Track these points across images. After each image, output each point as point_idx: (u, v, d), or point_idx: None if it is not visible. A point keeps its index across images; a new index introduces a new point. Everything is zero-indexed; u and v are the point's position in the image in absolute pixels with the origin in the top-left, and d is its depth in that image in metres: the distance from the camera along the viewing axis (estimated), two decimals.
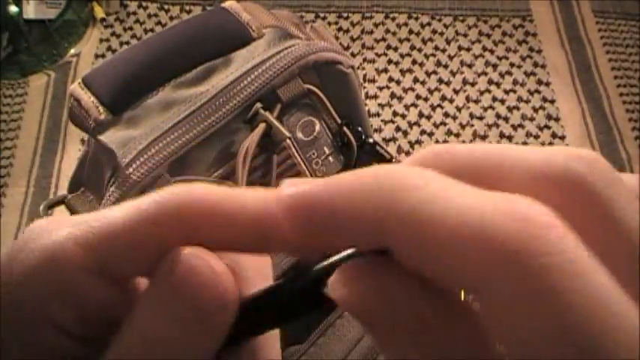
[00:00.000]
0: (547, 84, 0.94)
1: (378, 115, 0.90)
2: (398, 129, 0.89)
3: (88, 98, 0.44)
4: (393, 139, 0.88)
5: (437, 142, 0.88)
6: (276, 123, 0.46)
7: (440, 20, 1.01)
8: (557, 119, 0.90)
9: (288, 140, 0.48)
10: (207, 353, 0.14)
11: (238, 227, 0.14)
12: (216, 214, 0.14)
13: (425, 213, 0.12)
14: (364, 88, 0.93)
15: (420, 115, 0.90)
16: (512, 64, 0.96)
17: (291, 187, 0.13)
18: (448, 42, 0.98)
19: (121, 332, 0.14)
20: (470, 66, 0.96)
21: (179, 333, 0.14)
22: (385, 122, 0.90)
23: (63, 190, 0.78)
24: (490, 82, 0.94)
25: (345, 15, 1.01)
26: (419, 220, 0.12)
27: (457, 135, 0.88)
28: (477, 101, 0.92)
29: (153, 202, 0.14)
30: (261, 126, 0.45)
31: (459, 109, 0.91)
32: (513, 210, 0.11)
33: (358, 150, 0.54)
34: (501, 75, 0.95)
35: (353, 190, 0.13)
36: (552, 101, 0.92)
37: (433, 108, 0.91)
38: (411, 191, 0.12)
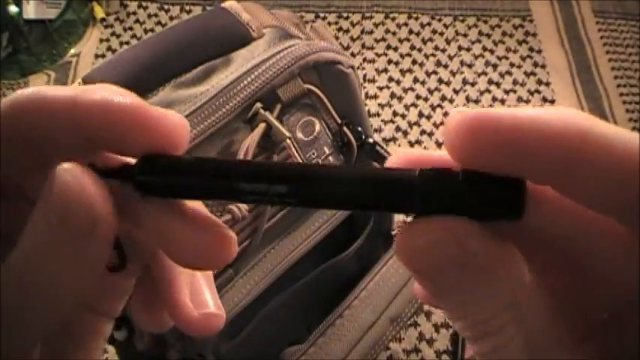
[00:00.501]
0: (547, 84, 0.94)
1: (378, 115, 0.90)
2: (398, 129, 0.89)
3: None
4: (393, 139, 0.88)
5: (437, 142, 0.88)
6: (276, 123, 0.46)
7: (440, 20, 1.01)
8: None
9: (288, 140, 0.48)
10: (90, 268, 0.16)
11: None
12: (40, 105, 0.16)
13: (616, 146, 0.14)
14: (364, 88, 0.93)
15: (420, 115, 0.90)
16: (512, 64, 0.96)
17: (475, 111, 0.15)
18: (448, 42, 0.98)
19: (18, 242, 0.15)
20: (470, 66, 0.96)
21: (58, 247, 0.15)
22: (385, 122, 0.90)
23: None
24: (490, 82, 0.94)
25: (345, 15, 1.01)
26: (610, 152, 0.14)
27: None
28: (477, 101, 0.92)
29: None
30: (261, 126, 0.45)
31: None
32: None
33: (358, 150, 0.54)
34: (501, 75, 0.94)
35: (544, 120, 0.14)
36: (552, 101, 0.92)
37: (433, 108, 0.91)
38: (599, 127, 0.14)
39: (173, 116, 0.17)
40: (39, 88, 0.17)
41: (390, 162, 0.17)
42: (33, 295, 0.15)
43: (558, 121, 0.14)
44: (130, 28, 1.01)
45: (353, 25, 1.00)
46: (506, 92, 0.93)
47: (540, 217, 0.16)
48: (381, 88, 0.93)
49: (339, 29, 1.00)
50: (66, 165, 0.15)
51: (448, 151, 0.15)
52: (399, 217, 0.81)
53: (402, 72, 0.95)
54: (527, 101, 0.92)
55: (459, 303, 0.16)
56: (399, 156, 0.17)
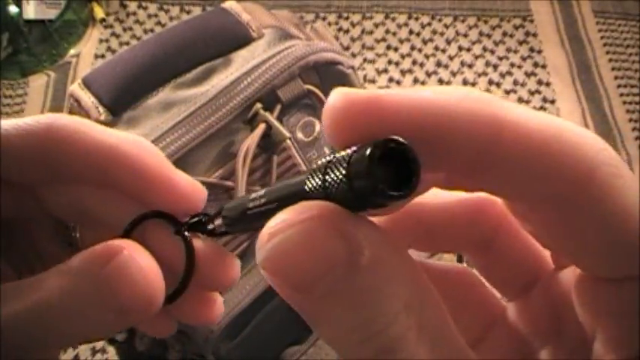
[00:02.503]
0: (547, 84, 0.94)
1: None
2: None
3: (87, 99, 0.44)
4: None
5: None
6: (276, 123, 0.46)
7: (440, 20, 1.01)
8: None
9: (288, 141, 0.48)
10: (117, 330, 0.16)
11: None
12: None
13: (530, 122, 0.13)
14: (364, 88, 0.93)
15: None
16: (512, 65, 0.96)
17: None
18: (448, 42, 0.98)
19: (36, 284, 0.16)
20: (470, 66, 0.95)
21: (96, 316, 0.15)
22: None
23: None
24: (490, 82, 0.94)
25: (345, 15, 1.01)
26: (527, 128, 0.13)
27: None
28: None
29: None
30: (261, 126, 0.45)
31: None
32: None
33: None
34: (502, 75, 0.94)
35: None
36: (552, 101, 0.92)
37: None
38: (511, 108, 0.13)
39: (194, 186, 0.20)
40: (83, 125, 0.18)
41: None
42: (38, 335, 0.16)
43: (464, 108, 0.12)
44: (130, 29, 1.01)
45: (353, 25, 1.00)
46: (507, 92, 0.92)
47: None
48: (381, 89, 0.93)
49: (339, 29, 1.00)
50: (132, 252, 0.16)
51: (327, 132, 0.13)
52: None
53: (403, 72, 0.95)
54: (528, 101, 0.92)
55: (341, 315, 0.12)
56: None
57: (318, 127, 0.51)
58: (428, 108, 0.13)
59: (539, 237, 0.15)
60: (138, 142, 0.18)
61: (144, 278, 0.16)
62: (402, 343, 0.12)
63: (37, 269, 0.18)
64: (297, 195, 0.14)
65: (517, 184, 0.13)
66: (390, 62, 0.96)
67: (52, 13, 0.93)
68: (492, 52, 0.97)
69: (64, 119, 0.18)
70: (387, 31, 0.99)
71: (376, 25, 1.00)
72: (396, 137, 0.12)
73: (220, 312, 0.20)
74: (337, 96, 0.13)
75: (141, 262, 0.16)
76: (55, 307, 0.15)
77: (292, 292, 0.12)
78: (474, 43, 0.98)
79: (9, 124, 0.18)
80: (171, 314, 0.20)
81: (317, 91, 0.49)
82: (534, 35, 0.99)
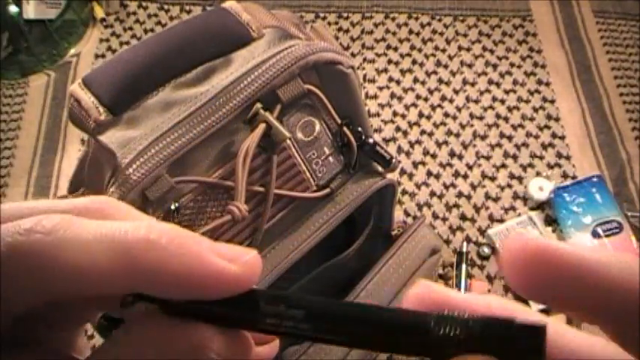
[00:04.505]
0: (547, 84, 0.94)
1: (378, 115, 0.90)
2: (398, 129, 0.89)
3: (88, 98, 0.44)
4: (393, 139, 0.88)
5: (437, 142, 0.88)
6: (276, 123, 0.46)
7: (440, 20, 1.01)
8: (557, 119, 0.90)
9: (288, 140, 0.48)
10: None
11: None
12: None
13: None
14: (364, 88, 0.93)
15: (420, 115, 0.90)
16: (512, 64, 0.96)
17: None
18: (448, 42, 0.98)
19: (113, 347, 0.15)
20: (470, 66, 0.96)
21: None
22: (385, 122, 0.90)
23: (63, 191, 0.78)
24: (490, 82, 0.94)
25: (345, 15, 1.01)
26: None
27: (457, 135, 0.88)
28: (476, 101, 0.92)
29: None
30: (261, 126, 0.45)
31: (459, 109, 0.91)
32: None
33: (358, 150, 0.54)
34: (501, 75, 0.94)
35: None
36: (552, 101, 0.92)
37: (433, 108, 0.91)
38: None
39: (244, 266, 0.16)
40: (69, 223, 0.15)
41: (409, 300, 0.17)
42: None
43: (621, 267, 0.14)
44: (130, 28, 1.01)
45: (353, 25, 1.00)
46: (506, 92, 0.93)
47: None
48: (381, 88, 0.93)
49: (339, 29, 1.00)
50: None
51: (507, 276, 0.15)
52: (399, 218, 0.81)
53: (402, 72, 0.95)
54: (527, 101, 0.92)
55: None
56: (418, 293, 0.17)
57: (317, 127, 0.51)
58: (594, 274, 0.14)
59: None
60: (148, 239, 0.15)
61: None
62: None
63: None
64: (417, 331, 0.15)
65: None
66: (389, 62, 0.96)
67: (52, 13, 0.93)
68: (492, 51, 0.97)
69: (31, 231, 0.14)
70: (387, 31, 0.99)
71: (376, 25, 1.00)
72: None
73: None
74: (516, 244, 0.15)
75: (222, 346, 0.16)
76: None
77: None
78: (473, 42, 0.98)
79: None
80: None
81: (317, 90, 0.49)
82: (534, 35, 0.99)
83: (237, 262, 0.15)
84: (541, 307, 0.70)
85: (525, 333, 0.15)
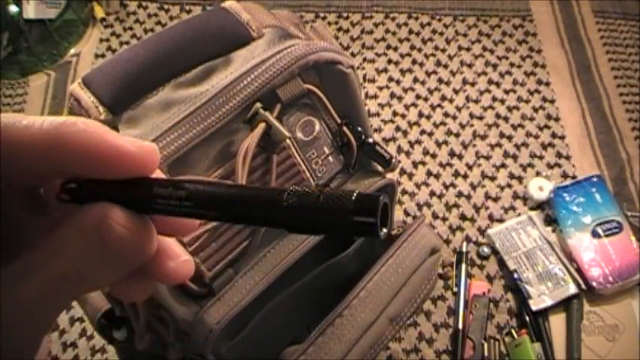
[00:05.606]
0: (547, 84, 0.94)
1: (378, 115, 0.90)
2: (398, 129, 0.89)
3: (87, 98, 0.44)
4: (393, 139, 0.88)
5: (437, 141, 0.88)
6: (276, 123, 0.46)
7: (440, 20, 1.01)
8: (557, 119, 0.90)
9: (287, 140, 0.48)
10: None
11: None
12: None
13: None
14: (364, 88, 0.93)
15: (420, 115, 0.90)
16: (512, 64, 0.96)
17: None
18: (448, 42, 0.98)
19: (39, 251, 0.18)
20: (470, 66, 0.96)
21: (93, 266, 0.19)
22: (385, 122, 0.90)
23: None
24: (490, 82, 0.94)
25: (345, 15, 1.02)
26: None
27: (457, 135, 0.88)
28: (476, 101, 0.92)
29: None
30: (261, 126, 0.45)
31: (459, 109, 0.91)
32: None
33: (358, 150, 0.54)
34: (501, 75, 0.94)
35: None
36: (552, 101, 0.92)
37: (433, 108, 0.91)
38: None
39: (141, 149, 0.20)
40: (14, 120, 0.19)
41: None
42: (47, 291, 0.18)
43: None
44: (130, 28, 1.01)
45: (353, 25, 1.00)
46: (506, 92, 0.93)
47: None
48: (381, 88, 0.93)
49: (339, 29, 1.00)
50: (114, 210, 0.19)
51: None
52: (398, 217, 0.81)
53: (402, 72, 0.95)
54: (527, 101, 0.92)
55: None
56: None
57: (317, 127, 0.51)
58: None
59: None
60: (72, 122, 0.19)
61: (130, 231, 0.19)
62: None
63: (12, 243, 0.21)
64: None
65: None
66: (389, 62, 0.96)
67: (52, 13, 0.93)
68: (492, 51, 0.97)
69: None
70: (387, 31, 1.00)
71: (376, 25, 1.00)
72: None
73: (189, 266, 0.22)
74: None
75: (123, 218, 0.19)
76: (81, 267, 0.18)
77: None
78: (473, 42, 0.98)
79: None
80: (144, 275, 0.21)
81: (317, 90, 0.49)
82: (534, 35, 0.99)
83: (134, 145, 0.19)
84: (541, 307, 0.70)
85: (362, 201, 0.17)
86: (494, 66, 0.95)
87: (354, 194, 0.17)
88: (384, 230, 0.17)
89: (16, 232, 0.21)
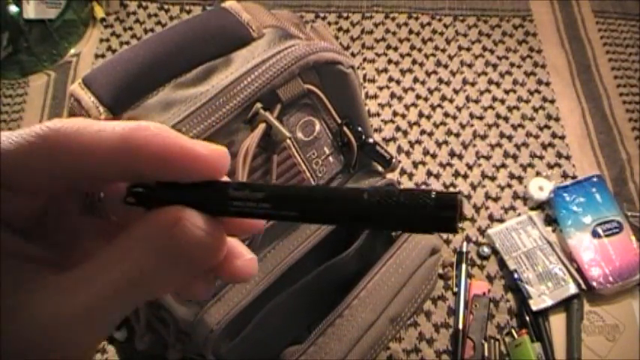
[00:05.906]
0: (547, 84, 0.94)
1: (378, 115, 0.90)
2: (398, 129, 0.89)
3: (88, 98, 0.44)
4: (393, 139, 0.88)
5: (437, 141, 0.88)
6: (276, 123, 0.46)
7: (440, 20, 1.01)
8: (557, 119, 0.90)
9: (288, 140, 0.48)
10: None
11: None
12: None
13: None
14: (364, 88, 0.93)
15: (420, 115, 0.90)
16: (512, 64, 0.96)
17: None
18: (448, 42, 0.98)
19: (101, 256, 0.18)
20: (470, 66, 0.96)
21: (164, 269, 0.18)
22: (385, 122, 0.90)
23: None
24: (490, 82, 0.94)
25: (345, 15, 1.02)
26: None
27: (457, 135, 0.88)
28: (476, 101, 0.92)
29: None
30: (261, 126, 0.45)
31: (459, 109, 0.91)
32: None
33: (358, 150, 0.54)
34: (501, 75, 0.94)
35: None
36: (552, 101, 0.92)
37: (433, 108, 0.91)
38: None
39: (212, 152, 0.20)
40: (85, 125, 0.19)
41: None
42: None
43: None
44: (130, 28, 1.01)
45: (353, 25, 1.00)
46: (506, 92, 0.93)
47: None
48: (381, 88, 0.93)
49: (339, 29, 1.00)
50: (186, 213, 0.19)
51: None
52: None
53: (402, 72, 0.95)
54: (527, 101, 0.92)
55: None
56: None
57: (317, 127, 0.51)
58: None
59: None
60: (144, 126, 0.19)
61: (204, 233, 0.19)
62: None
63: (68, 246, 0.20)
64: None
65: None
66: (389, 62, 0.96)
67: (52, 13, 0.93)
68: (492, 51, 0.97)
69: (60, 124, 0.18)
70: (387, 31, 1.00)
71: (376, 25, 1.00)
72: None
73: (254, 264, 0.22)
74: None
75: (199, 220, 0.19)
76: (149, 270, 0.18)
77: None
78: (473, 42, 0.98)
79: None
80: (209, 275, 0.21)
81: (317, 90, 0.49)
82: (534, 35, 0.99)
83: (206, 148, 0.19)
84: (541, 307, 0.70)
85: (442, 198, 0.17)
86: (495, 66, 0.95)
87: (434, 192, 0.18)
88: (460, 225, 0.18)
89: (72, 236, 0.21)
